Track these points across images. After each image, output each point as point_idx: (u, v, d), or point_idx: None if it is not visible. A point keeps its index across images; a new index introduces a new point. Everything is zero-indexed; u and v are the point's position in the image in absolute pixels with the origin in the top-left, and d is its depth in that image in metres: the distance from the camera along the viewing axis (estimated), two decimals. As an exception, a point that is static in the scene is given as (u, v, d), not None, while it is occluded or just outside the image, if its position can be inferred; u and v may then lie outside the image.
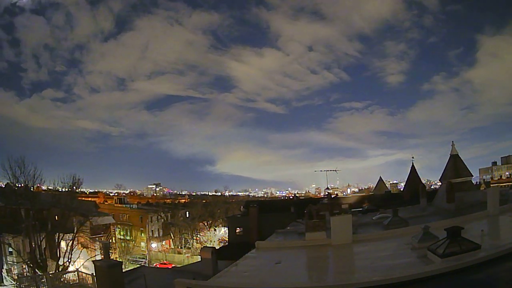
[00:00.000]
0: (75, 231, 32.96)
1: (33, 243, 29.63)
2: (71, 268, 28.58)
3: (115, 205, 61.89)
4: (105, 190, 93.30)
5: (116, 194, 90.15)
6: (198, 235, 58.71)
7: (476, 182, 44.64)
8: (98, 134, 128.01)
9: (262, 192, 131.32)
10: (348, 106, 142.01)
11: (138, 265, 39.38)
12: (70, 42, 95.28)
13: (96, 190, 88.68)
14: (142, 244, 55.73)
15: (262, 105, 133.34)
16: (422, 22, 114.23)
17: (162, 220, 60.74)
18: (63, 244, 32.27)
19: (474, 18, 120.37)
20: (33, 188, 32.90)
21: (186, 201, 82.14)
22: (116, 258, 41.51)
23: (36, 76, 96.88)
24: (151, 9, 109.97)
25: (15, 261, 32.24)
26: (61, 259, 30.73)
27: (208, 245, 46.09)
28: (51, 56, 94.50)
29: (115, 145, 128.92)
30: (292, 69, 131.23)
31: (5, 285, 30.68)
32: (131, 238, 55.37)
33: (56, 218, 33.03)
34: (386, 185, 55.00)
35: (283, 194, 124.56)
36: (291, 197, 77.18)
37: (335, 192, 76.47)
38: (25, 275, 29.29)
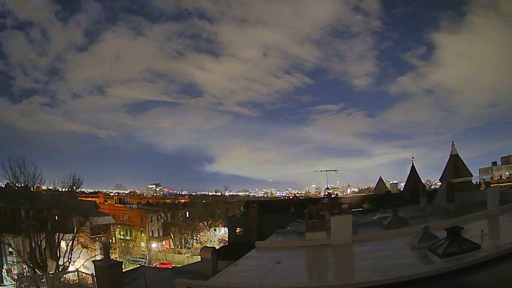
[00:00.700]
0: (75, 231, 32.96)
1: (33, 243, 29.63)
2: (71, 268, 28.59)
3: (115, 205, 61.85)
4: (105, 190, 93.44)
5: (116, 194, 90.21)
6: (198, 235, 58.71)
7: (476, 182, 44.63)
8: (87, 136, 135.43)
9: (262, 192, 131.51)
10: (322, 108, 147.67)
11: (138, 265, 39.38)
12: (49, 53, 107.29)
13: (96, 190, 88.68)
14: (142, 244, 55.73)
15: (234, 109, 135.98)
16: (370, 26, 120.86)
17: (162, 220, 60.73)
18: (63, 244, 32.27)
19: (426, 18, 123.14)
20: (33, 188, 32.91)
21: (186, 201, 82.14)
22: (116, 258, 41.51)
23: (23, 83, 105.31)
24: (116, 23, 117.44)
25: (15, 261, 32.24)
26: (61, 259, 30.73)
27: (208, 245, 46.09)
28: (34, 66, 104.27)
29: (106, 146, 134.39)
30: (254, 74, 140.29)
31: (5, 285, 30.67)
32: (131, 238, 55.36)
33: (56, 218, 33.02)
34: (386, 185, 54.97)
35: (283, 194, 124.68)
36: (291, 197, 77.19)
37: (335, 192, 76.47)
38: (25, 275, 29.32)
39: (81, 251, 33.87)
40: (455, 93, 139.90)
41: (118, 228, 53.91)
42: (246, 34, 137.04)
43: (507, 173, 78.83)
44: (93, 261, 18.59)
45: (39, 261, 29.03)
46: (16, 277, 29.80)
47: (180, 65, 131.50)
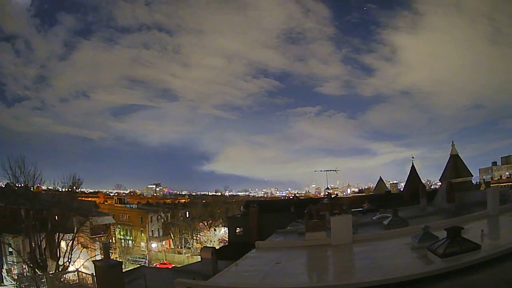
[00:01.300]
0: (75, 231, 32.95)
1: (33, 243, 29.62)
2: (71, 268, 28.58)
3: (115, 205, 61.89)
4: (105, 190, 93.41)
5: (116, 194, 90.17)
6: (198, 235, 58.71)
7: (476, 182, 44.61)
8: (79, 138, 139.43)
9: (262, 192, 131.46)
10: (301, 111, 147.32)
11: (138, 265, 39.37)
12: (34, 62, 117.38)
13: (96, 190, 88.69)
14: (142, 244, 55.74)
15: (212, 111, 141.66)
16: (325, 32, 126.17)
17: (162, 220, 60.75)
18: (63, 244, 32.25)
19: (382, 21, 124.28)
20: (33, 188, 32.90)
21: (186, 201, 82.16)
22: (116, 258, 41.52)
23: (14, 89, 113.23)
24: (90, 34, 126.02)
25: (15, 261, 32.24)
26: (61, 259, 30.71)
27: (208, 245, 46.10)
28: (22, 74, 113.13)
29: (99, 146, 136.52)
30: (224, 80, 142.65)
31: (5, 285, 30.67)
32: (131, 238, 55.38)
33: (56, 218, 32.99)
34: (386, 185, 54.97)
35: (283, 194, 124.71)
36: (291, 197, 77.19)
37: (335, 192, 76.48)
38: (25, 275, 29.31)
39: (81, 251, 33.84)
40: (432, 94, 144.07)
41: (118, 228, 53.91)
42: (206, 43, 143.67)
43: (507, 173, 78.83)
44: (93, 261, 18.58)
45: (39, 261, 29.02)
46: (16, 277, 29.81)
47: (154, 73, 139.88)
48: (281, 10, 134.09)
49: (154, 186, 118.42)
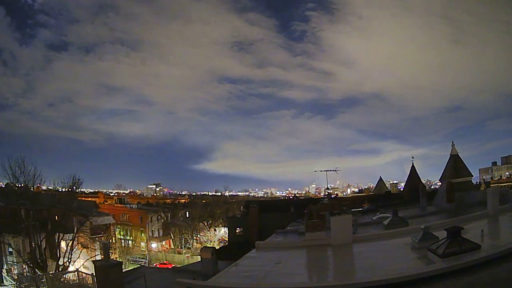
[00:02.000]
0: (75, 231, 32.95)
1: (33, 243, 29.63)
2: (71, 268, 28.59)
3: (115, 205, 61.83)
4: (105, 190, 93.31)
5: (116, 194, 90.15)
6: (198, 235, 58.69)
7: (476, 182, 44.62)
8: (70, 140, 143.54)
9: (262, 192, 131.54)
10: (278, 114, 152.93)
11: (138, 265, 39.36)
12: (20, 71, 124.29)
13: (96, 190, 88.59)
14: (142, 244, 55.71)
15: (185, 114, 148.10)
16: (275, 41, 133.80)
17: (162, 220, 60.72)
18: (63, 244, 32.26)
19: (324, 28, 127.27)
20: (33, 188, 32.91)
21: (186, 201, 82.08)
22: (116, 258, 41.48)
23: (6, 96, 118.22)
24: (66, 46, 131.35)
25: (15, 261, 32.25)
26: (61, 259, 30.72)
27: (208, 245, 46.09)
28: (10, 82, 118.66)
29: (90, 147, 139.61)
30: (194, 86, 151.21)
31: (5, 285, 30.67)
32: (131, 238, 55.37)
33: (56, 218, 33.00)
34: (386, 185, 54.94)
35: (283, 194, 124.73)
36: (291, 197, 77.15)
37: (335, 192, 76.46)
38: (25, 275, 29.32)
39: (81, 251, 33.86)
40: (404, 96, 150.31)
41: (118, 228, 53.88)
42: (168, 55, 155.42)
43: (507, 173, 78.86)
44: (93, 261, 18.59)
45: (39, 261, 29.02)
46: (16, 277, 29.81)
47: (128, 82, 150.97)
48: (227, 24, 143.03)
49: (154, 186, 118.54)
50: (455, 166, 22.87)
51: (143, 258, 51.73)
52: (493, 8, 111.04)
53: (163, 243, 59.49)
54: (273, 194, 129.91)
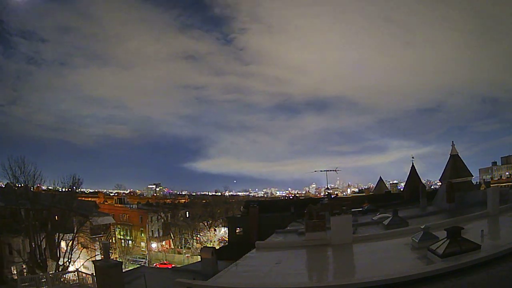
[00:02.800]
0: (75, 231, 32.96)
1: (33, 243, 29.64)
2: (71, 268, 28.60)
3: (115, 205, 61.81)
4: (105, 190, 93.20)
5: (116, 194, 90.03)
6: (198, 235, 58.68)
7: (476, 182, 44.61)
8: (61, 142, 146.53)
9: (262, 192, 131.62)
10: (255, 117, 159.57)
11: (138, 265, 39.38)
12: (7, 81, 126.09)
13: (96, 190, 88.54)
14: (142, 244, 55.72)
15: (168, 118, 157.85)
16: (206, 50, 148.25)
17: (162, 220, 60.72)
18: (63, 244, 32.27)
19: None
20: (33, 188, 32.93)
21: (186, 201, 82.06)
22: (116, 258, 41.49)
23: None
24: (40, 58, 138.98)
25: (15, 261, 32.23)
26: (61, 259, 30.74)
27: (208, 245, 46.09)
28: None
29: (86, 149, 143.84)
30: (163, 92, 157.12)
31: (5, 285, 30.68)
32: (131, 238, 55.37)
33: (56, 218, 33.01)
34: (386, 185, 54.93)
35: (283, 194, 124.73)
36: (291, 197, 77.17)
37: (335, 192, 76.44)
38: (25, 275, 29.29)
39: (81, 251, 33.86)
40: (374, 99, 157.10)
41: (118, 228, 53.88)
42: (132, 67, 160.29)
43: (507, 173, 78.87)
44: (93, 261, 18.59)
45: (39, 261, 29.05)
46: (16, 277, 29.79)
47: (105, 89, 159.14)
48: (177, 41, 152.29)
49: (154, 186, 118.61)
50: (455, 166, 22.87)
51: (143, 258, 51.73)
52: (438, 8, 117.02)
53: (163, 243, 59.50)
54: (273, 194, 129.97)
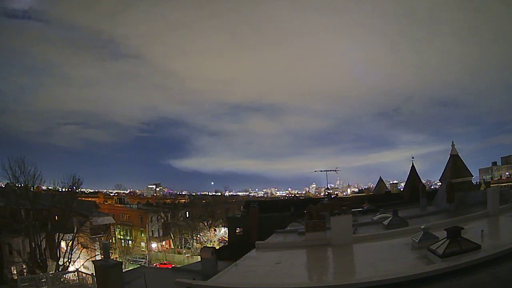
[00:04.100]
0: (75, 231, 32.99)
1: (33, 243, 29.66)
2: (71, 268, 28.62)
3: (115, 205, 61.85)
4: (105, 190, 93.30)
5: (116, 194, 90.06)
6: (198, 235, 58.70)
7: (476, 182, 44.56)
8: (49, 145, 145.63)
9: (262, 192, 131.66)
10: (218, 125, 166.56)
11: (138, 265, 39.40)
12: None
13: (96, 190, 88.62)
14: (142, 244, 55.74)
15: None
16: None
17: (162, 220, 60.73)
18: (63, 244, 32.29)
19: None
20: (33, 188, 32.93)
21: (186, 201, 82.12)
22: (116, 258, 41.52)
23: None
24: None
25: (15, 261, 32.24)
26: (61, 259, 30.75)
27: (208, 245, 46.09)
28: None
29: (74, 152, 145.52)
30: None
31: (5, 285, 30.68)
32: (131, 238, 55.38)
33: (56, 218, 33.03)
34: (386, 185, 54.90)
35: (283, 194, 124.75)
36: (291, 197, 77.11)
37: (335, 192, 76.40)
38: (25, 275, 29.30)
39: (81, 251, 33.88)
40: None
41: (118, 228, 53.91)
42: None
43: (507, 173, 78.88)
44: (93, 261, 18.56)
45: (39, 261, 29.06)
46: (16, 277, 29.80)
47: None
48: None
49: (154, 186, 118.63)
50: (455, 166, 22.86)
51: (143, 258, 51.75)
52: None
53: (163, 243, 59.51)
54: (273, 194, 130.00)
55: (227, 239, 38.32)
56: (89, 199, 63.48)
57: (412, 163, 35.51)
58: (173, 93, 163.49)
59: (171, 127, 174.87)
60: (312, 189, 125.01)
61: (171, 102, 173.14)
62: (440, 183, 25.76)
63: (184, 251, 55.07)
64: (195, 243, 56.42)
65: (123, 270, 15.50)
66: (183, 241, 58.54)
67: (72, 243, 31.71)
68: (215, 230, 62.76)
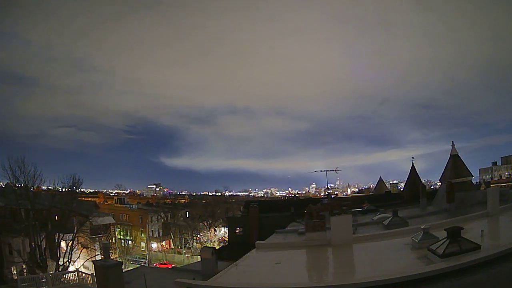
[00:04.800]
0: (75, 231, 32.99)
1: (33, 243, 29.66)
2: (71, 268, 28.62)
3: (115, 205, 61.87)
4: (105, 190, 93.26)
5: (116, 194, 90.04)
6: (198, 235, 58.70)
7: (476, 182, 44.53)
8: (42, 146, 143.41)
9: (262, 192, 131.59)
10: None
11: (138, 265, 39.42)
12: None
13: (96, 190, 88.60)
14: (142, 244, 55.75)
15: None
16: None
17: (162, 220, 60.74)
18: (63, 244, 32.29)
19: None
20: (33, 188, 32.92)
21: (186, 201, 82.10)
22: (116, 258, 41.52)
23: None
24: None
25: (15, 261, 32.25)
26: (61, 259, 30.74)
27: (208, 245, 46.10)
28: None
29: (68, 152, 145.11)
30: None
31: (5, 285, 30.68)
32: (131, 238, 55.39)
33: (56, 218, 33.02)
34: (386, 185, 54.89)
35: (283, 194, 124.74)
36: (291, 197, 77.07)
37: (335, 192, 76.40)
38: (25, 275, 29.30)
39: (81, 251, 33.88)
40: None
41: (118, 228, 53.91)
42: None
43: (507, 173, 78.90)
44: (93, 261, 18.58)
45: (39, 261, 29.06)
46: (16, 277, 29.81)
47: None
48: None
49: (154, 186, 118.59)
50: (455, 166, 22.85)
51: (143, 258, 51.76)
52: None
53: (163, 243, 59.51)
54: (273, 194, 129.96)
55: (227, 239, 38.33)
56: (89, 199, 63.51)
57: (412, 163, 35.47)
58: (151, 99, 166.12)
59: (157, 129, 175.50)
60: (312, 189, 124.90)
61: (150, 107, 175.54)
62: (440, 183, 25.74)
63: (184, 251, 55.06)
64: (195, 243, 56.42)
65: (123, 270, 15.51)
66: (183, 241, 58.52)
67: (72, 243, 31.71)
68: (215, 230, 62.75)
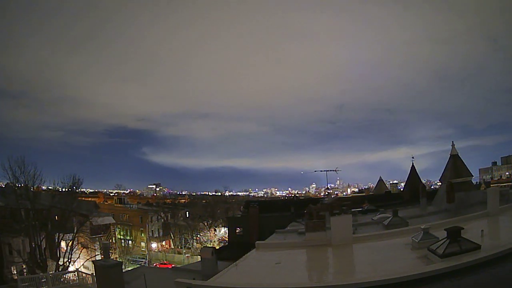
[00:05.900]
0: (75, 231, 32.99)
1: (33, 243, 29.66)
2: (71, 268, 28.61)
3: (115, 205, 61.84)
4: (105, 190, 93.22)
5: (116, 194, 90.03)
6: (198, 235, 58.71)
7: (476, 182, 44.51)
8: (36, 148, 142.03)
9: (262, 192, 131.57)
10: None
11: (138, 265, 39.41)
12: None
13: (96, 190, 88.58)
14: (142, 244, 55.74)
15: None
16: None
17: (162, 220, 60.73)
18: (63, 244, 32.29)
19: None
20: (33, 188, 32.93)
21: (186, 201, 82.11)
22: (116, 258, 41.51)
23: None
24: None
25: (15, 261, 32.25)
26: (61, 259, 30.75)
27: (208, 245, 46.10)
28: None
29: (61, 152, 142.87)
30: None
31: (5, 285, 30.69)
32: (131, 238, 55.39)
33: (56, 218, 33.02)
34: (386, 185, 54.88)
35: (283, 194, 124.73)
36: (291, 197, 77.04)
37: (335, 192, 76.39)
38: (25, 275, 29.31)
39: (81, 251, 33.88)
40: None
41: (118, 228, 53.91)
42: None
43: (507, 173, 78.92)
44: (93, 261, 18.58)
45: (39, 261, 29.06)
46: (16, 277, 29.82)
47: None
48: None
49: (154, 186, 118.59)
50: (455, 166, 22.84)
51: (143, 258, 51.74)
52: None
53: (163, 243, 59.51)
54: (273, 194, 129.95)
55: (227, 239, 38.34)
56: (89, 199, 63.48)
57: (412, 163, 35.48)
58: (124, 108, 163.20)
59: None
60: (312, 189, 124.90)
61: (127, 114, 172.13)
62: (440, 183, 25.74)
63: (184, 251, 55.06)
64: (195, 243, 56.43)
65: (123, 270, 15.49)
66: (183, 241, 58.51)
67: (72, 243, 31.71)
68: (215, 230, 62.75)
